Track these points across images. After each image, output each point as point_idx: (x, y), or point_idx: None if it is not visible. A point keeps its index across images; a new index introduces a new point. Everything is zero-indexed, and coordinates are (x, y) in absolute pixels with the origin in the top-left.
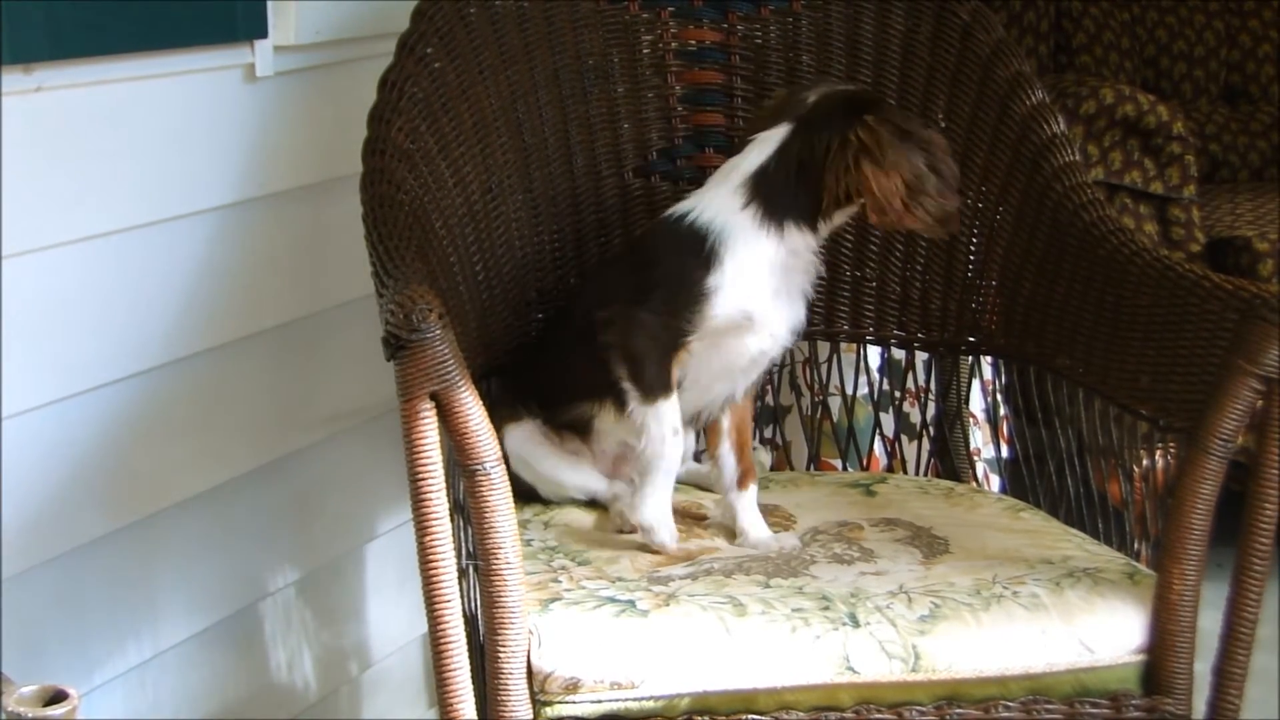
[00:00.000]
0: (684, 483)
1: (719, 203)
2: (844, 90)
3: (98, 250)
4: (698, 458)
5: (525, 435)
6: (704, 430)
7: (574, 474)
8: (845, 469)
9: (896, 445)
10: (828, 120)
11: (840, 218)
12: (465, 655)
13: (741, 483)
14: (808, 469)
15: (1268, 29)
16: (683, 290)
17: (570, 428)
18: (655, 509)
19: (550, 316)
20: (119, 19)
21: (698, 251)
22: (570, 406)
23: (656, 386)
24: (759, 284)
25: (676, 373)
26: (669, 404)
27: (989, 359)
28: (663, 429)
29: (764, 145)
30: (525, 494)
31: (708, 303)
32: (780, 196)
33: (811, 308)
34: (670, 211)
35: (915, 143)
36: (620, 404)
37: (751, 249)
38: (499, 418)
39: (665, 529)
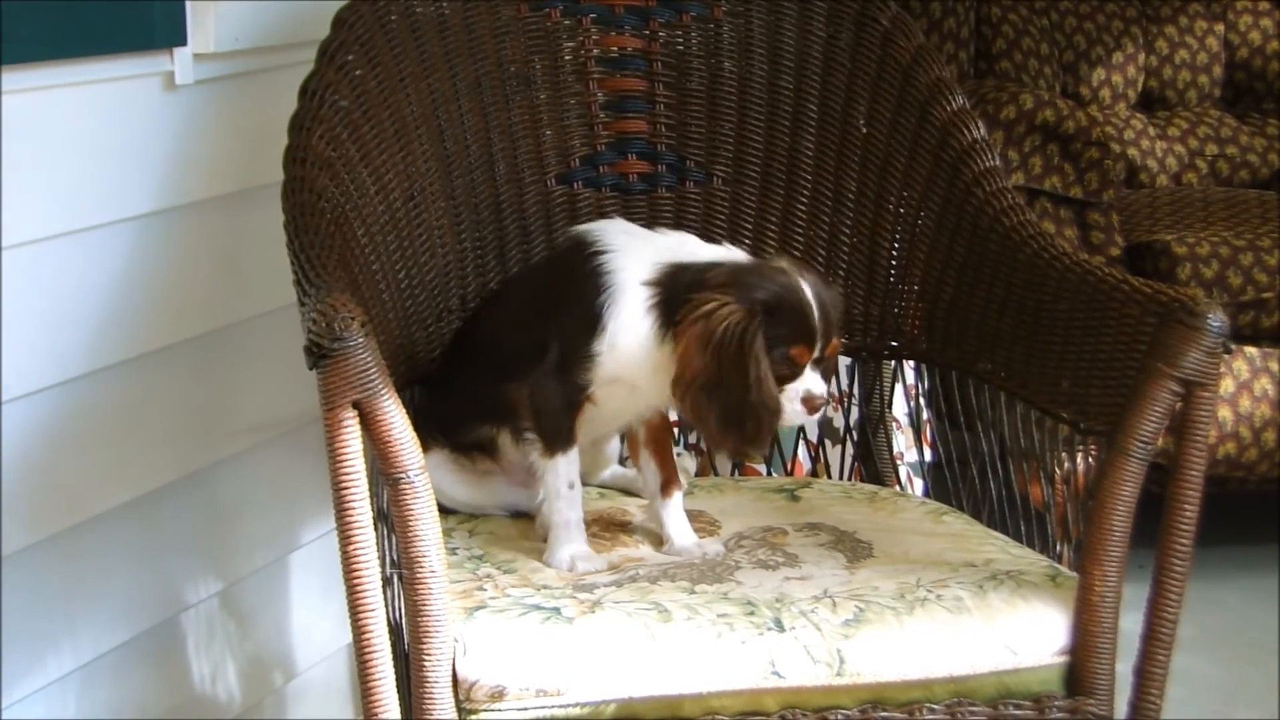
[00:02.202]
0: (609, 487)
1: (634, 261)
2: (814, 288)
3: (15, 261)
4: (623, 461)
5: (434, 464)
6: (624, 437)
7: (491, 494)
8: (769, 474)
9: (820, 450)
10: (747, 279)
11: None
12: (390, 664)
13: (665, 490)
14: (732, 475)
15: (1183, 35)
16: (574, 350)
17: (478, 448)
18: (567, 552)
19: (454, 335)
20: (35, 27)
21: (589, 306)
22: (473, 429)
23: (557, 441)
24: (636, 362)
25: (580, 420)
26: (566, 459)
27: (911, 364)
28: (559, 483)
29: (706, 252)
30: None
31: (595, 364)
32: (677, 299)
33: None
34: (595, 236)
35: (747, 372)
36: (518, 433)
37: (631, 330)
38: None
39: (583, 562)
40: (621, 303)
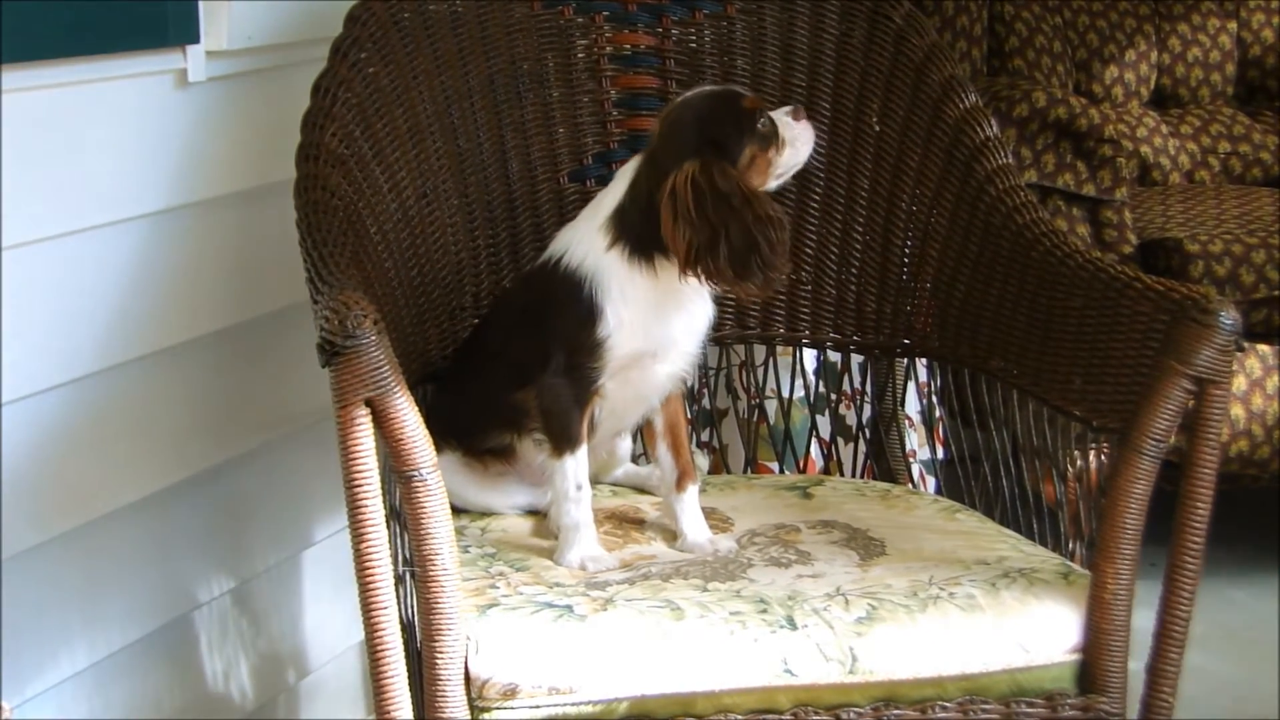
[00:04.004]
0: (622, 485)
1: (587, 243)
2: (697, 107)
3: (29, 257)
4: (635, 459)
5: (446, 467)
6: (640, 433)
7: (503, 496)
8: (782, 472)
9: (833, 448)
10: (667, 156)
11: None
12: (402, 662)
13: (680, 484)
14: (744, 472)
15: (1196, 33)
16: (579, 346)
17: (491, 453)
18: (577, 554)
19: (461, 344)
20: (48, 24)
21: (578, 301)
22: (489, 436)
23: (566, 441)
24: (648, 320)
25: (589, 415)
26: (574, 460)
27: (923, 361)
28: (567, 485)
29: (621, 179)
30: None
31: (604, 350)
32: (642, 232)
33: (746, 312)
34: (546, 255)
35: (730, 203)
36: (530, 435)
37: (629, 291)
38: None
39: (593, 563)
40: (606, 279)
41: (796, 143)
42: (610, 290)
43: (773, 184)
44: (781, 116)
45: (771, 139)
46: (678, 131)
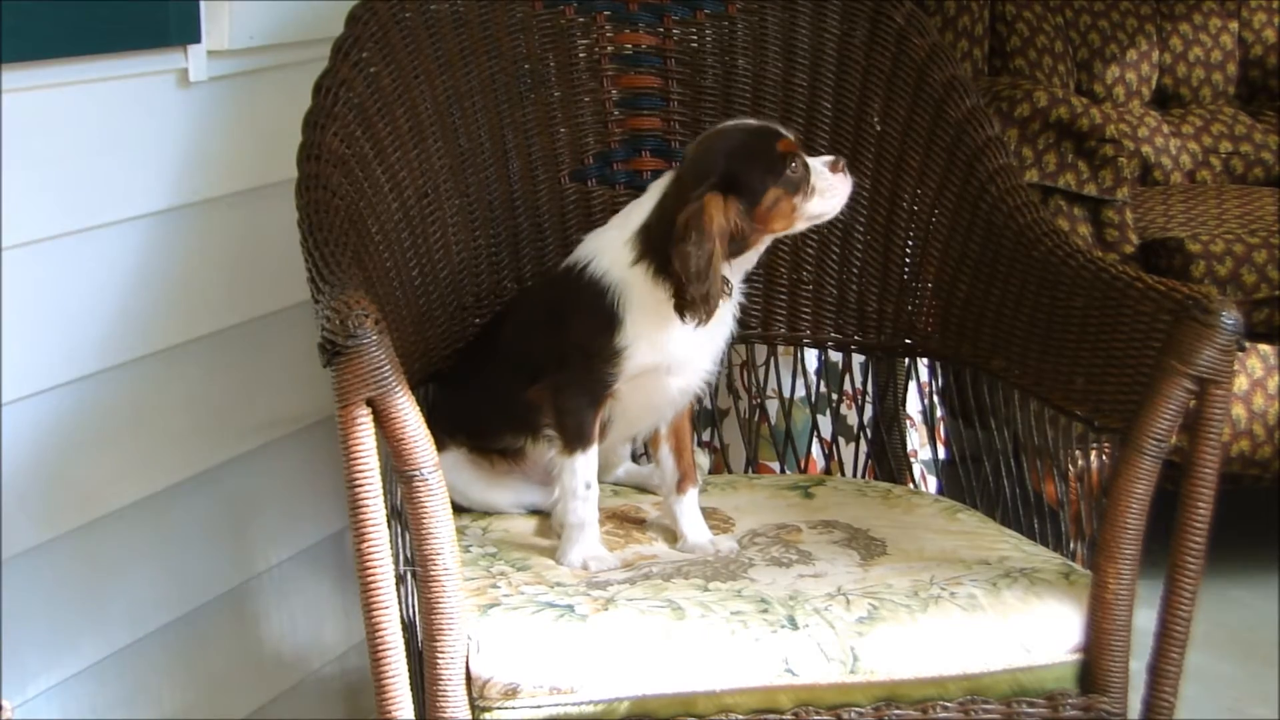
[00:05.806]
0: (623, 484)
1: (613, 254)
2: (730, 139)
3: (30, 257)
4: (636, 459)
5: (451, 464)
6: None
7: (508, 494)
8: (783, 471)
9: (834, 447)
10: (691, 181)
11: (730, 271)
12: (403, 662)
13: (680, 486)
14: (745, 472)
15: (1198, 32)
16: (596, 351)
17: (500, 453)
18: (580, 553)
19: (471, 341)
20: (49, 24)
21: (600, 309)
22: (499, 437)
23: (578, 439)
24: (665, 337)
25: (602, 417)
26: (585, 458)
27: (925, 361)
28: (576, 482)
29: (650, 197)
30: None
31: (621, 358)
32: (665, 252)
33: (748, 312)
34: (571, 260)
35: (707, 247)
36: (540, 432)
37: (649, 306)
38: None
39: (596, 562)
40: (628, 292)
41: (827, 193)
42: (632, 303)
43: (800, 226)
44: (818, 165)
45: (800, 185)
46: (707, 160)
